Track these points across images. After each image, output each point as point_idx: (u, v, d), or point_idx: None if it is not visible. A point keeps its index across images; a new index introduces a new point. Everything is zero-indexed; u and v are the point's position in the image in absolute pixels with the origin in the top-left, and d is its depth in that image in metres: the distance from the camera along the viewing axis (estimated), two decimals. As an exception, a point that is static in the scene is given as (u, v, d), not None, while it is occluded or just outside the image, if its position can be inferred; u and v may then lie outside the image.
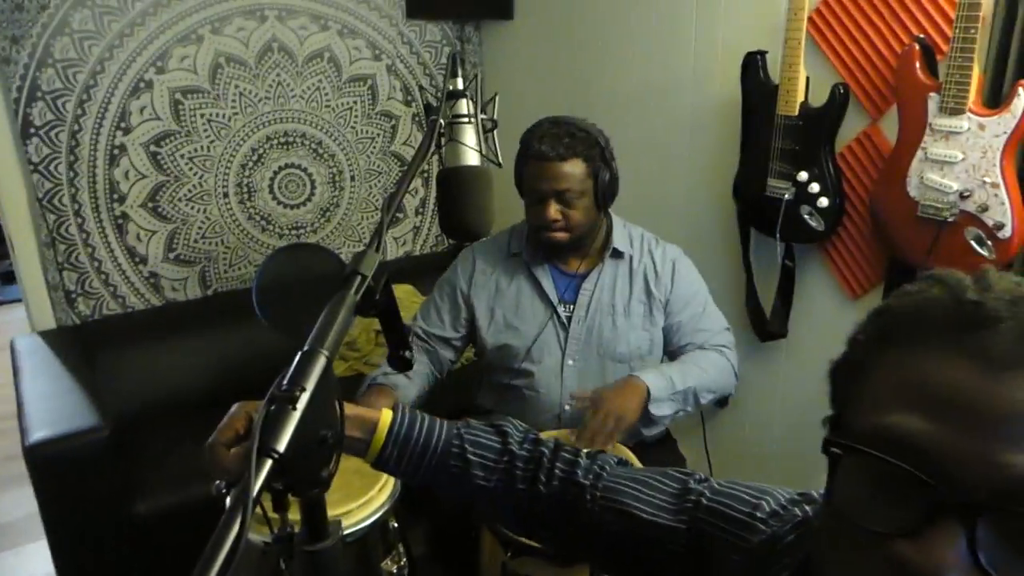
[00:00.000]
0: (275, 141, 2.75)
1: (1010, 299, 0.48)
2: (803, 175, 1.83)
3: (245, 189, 2.75)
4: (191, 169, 2.63)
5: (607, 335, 1.77)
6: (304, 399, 0.66)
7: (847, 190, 1.86)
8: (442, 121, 1.06)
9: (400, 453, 0.90)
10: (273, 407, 0.65)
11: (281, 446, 0.61)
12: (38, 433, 1.89)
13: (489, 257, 1.87)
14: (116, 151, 2.49)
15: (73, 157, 2.44)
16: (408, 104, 2.98)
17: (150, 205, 2.58)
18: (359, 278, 0.80)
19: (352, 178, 2.95)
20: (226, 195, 2.72)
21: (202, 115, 2.61)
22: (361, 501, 1.37)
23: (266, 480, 0.60)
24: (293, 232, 2.87)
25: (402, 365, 0.92)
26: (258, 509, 0.59)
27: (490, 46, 3.03)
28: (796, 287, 2.06)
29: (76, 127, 2.42)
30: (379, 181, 3.01)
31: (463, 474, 0.90)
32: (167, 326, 2.63)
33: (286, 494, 0.70)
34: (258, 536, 1.13)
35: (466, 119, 1.10)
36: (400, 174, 2.99)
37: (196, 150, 2.62)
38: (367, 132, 2.93)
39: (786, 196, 1.87)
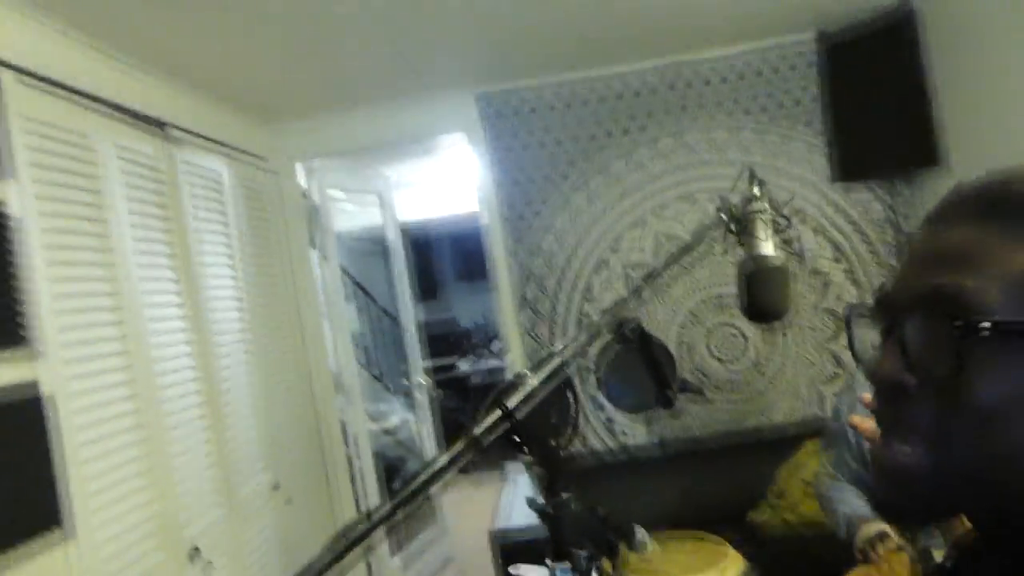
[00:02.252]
0: (710, 303, 3.12)
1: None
2: None
3: (685, 347, 3.14)
4: (639, 330, 3.14)
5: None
6: (535, 380, 0.96)
7: None
8: (723, 216, 1.30)
9: None
10: (513, 379, 0.97)
11: (511, 403, 0.91)
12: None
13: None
14: (582, 316, 3.15)
15: (552, 324, 3.16)
16: (837, 261, 3.09)
17: (607, 360, 3.15)
18: (609, 314, 1.09)
19: (784, 335, 3.12)
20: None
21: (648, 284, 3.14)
22: None
23: (494, 424, 0.91)
24: (728, 385, 3.12)
25: (664, 402, 1.13)
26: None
27: (922, 197, 3.01)
28: None
29: (555, 300, 3.16)
30: (813, 335, 3.11)
31: None
32: (623, 467, 3.07)
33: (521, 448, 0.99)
34: None
35: (757, 215, 1.31)
36: (833, 329, 3.07)
37: (644, 314, 3.14)
38: (799, 290, 3.11)
39: None
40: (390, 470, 4.32)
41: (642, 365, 1.24)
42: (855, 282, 3.09)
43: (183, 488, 2.12)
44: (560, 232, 3.17)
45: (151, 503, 1.95)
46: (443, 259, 8.74)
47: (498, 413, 0.96)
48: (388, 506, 0.83)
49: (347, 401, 3.38)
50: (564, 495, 1.03)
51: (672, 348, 3.08)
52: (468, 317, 8.20)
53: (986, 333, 0.51)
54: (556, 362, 1.02)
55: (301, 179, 3.31)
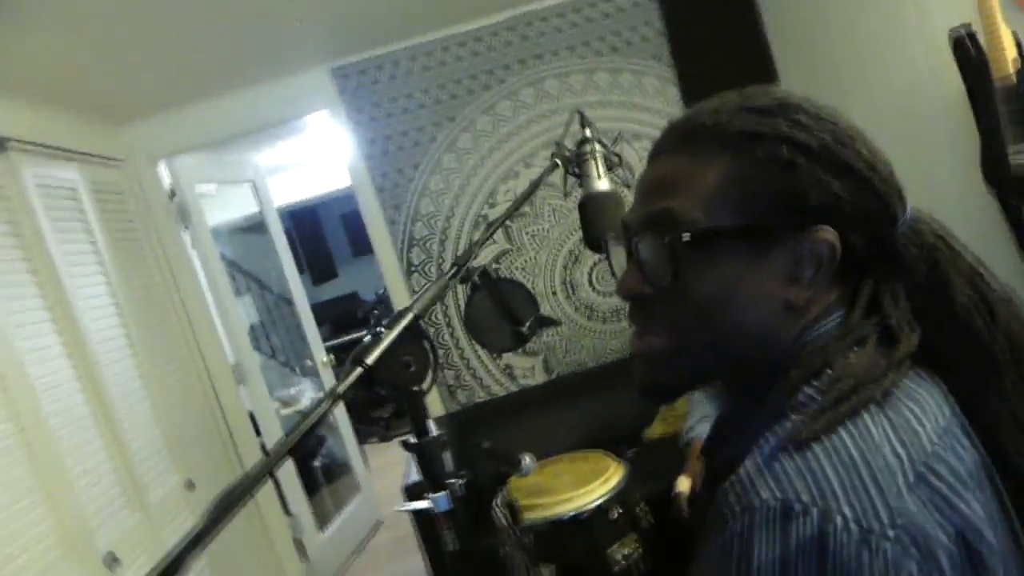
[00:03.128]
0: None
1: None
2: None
3: (569, 286, 3.29)
4: (525, 277, 3.26)
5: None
6: (391, 334, 1.04)
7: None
8: (557, 162, 1.41)
9: None
10: (370, 336, 1.05)
11: (369, 359, 1.00)
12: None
13: None
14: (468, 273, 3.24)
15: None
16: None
17: (498, 310, 3.26)
18: (454, 267, 1.18)
19: (659, 261, 3.30)
20: (555, 293, 3.28)
21: (527, 233, 3.25)
22: (583, 490, 1.65)
23: (355, 382, 0.99)
24: (614, 315, 3.29)
25: (518, 340, 1.24)
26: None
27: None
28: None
29: (440, 260, 3.24)
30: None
31: None
32: (522, 406, 3.21)
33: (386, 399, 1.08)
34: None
35: (589, 156, 1.43)
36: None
37: (526, 261, 3.26)
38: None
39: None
40: (309, 451, 4.36)
41: (494, 307, 1.34)
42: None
43: (86, 498, 2.11)
44: (436, 193, 3.23)
45: (48, 517, 1.94)
46: (336, 236, 8.65)
47: (358, 369, 1.03)
48: (261, 466, 0.90)
49: (250, 389, 3.39)
50: (435, 433, 1.13)
51: (557, 287, 3.23)
52: (369, 290, 8.18)
53: (691, 242, 0.63)
54: (409, 316, 1.11)
55: (165, 177, 3.24)
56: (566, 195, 1.48)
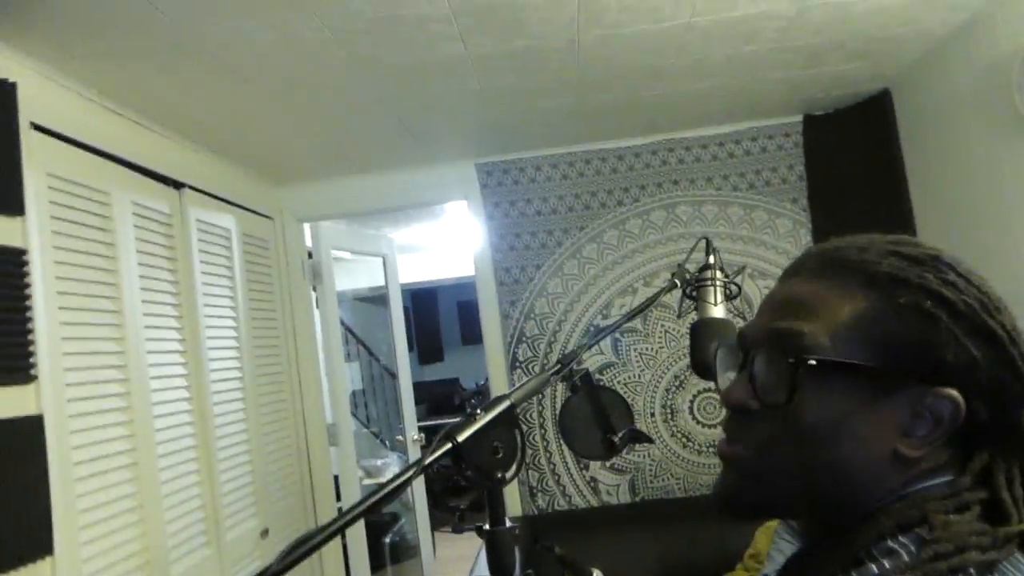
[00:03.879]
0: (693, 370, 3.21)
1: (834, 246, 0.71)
2: None
3: (669, 410, 3.22)
4: (625, 394, 3.23)
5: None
6: (485, 417, 1.06)
7: None
8: (677, 282, 1.42)
9: None
10: (464, 417, 1.07)
11: (460, 437, 1.02)
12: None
13: None
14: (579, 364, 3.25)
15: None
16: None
17: (594, 422, 3.23)
18: (558, 365, 1.20)
19: (767, 402, 3.19)
20: (653, 415, 3.22)
21: (635, 350, 3.24)
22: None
23: (442, 456, 1.01)
24: (710, 448, 3.18)
25: (608, 448, 1.23)
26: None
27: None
28: None
29: (545, 361, 3.27)
30: (795, 405, 3.18)
31: None
32: (602, 522, 3.12)
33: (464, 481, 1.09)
34: None
35: (709, 283, 1.44)
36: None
37: (629, 377, 3.24)
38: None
39: None
40: (383, 526, 4.37)
41: (590, 412, 1.35)
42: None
43: (172, 527, 2.21)
44: (553, 296, 3.30)
45: (140, 537, 2.04)
46: (449, 322, 8.89)
47: (447, 444, 1.07)
48: (340, 521, 0.93)
49: (340, 453, 3.47)
50: (508, 524, 1.13)
51: (656, 410, 3.18)
52: (471, 378, 8.29)
53: (813, 368, 0.62)
54: (505, 403, 1.13)
55: (307, 239, 3.48)
56: (679, 315, 1.49)
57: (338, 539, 3.41)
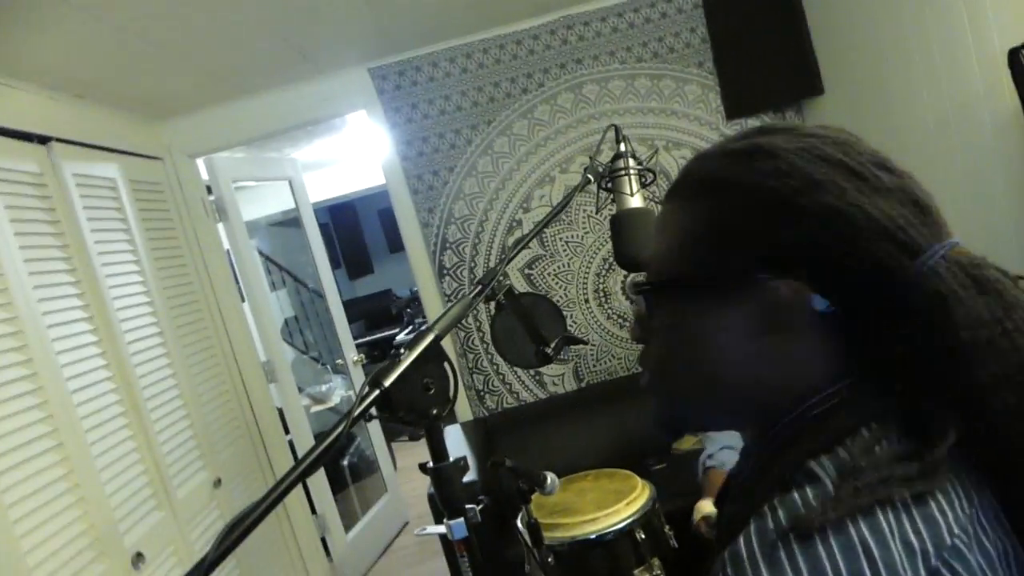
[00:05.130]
0: (623, 250, 3.21)
1: None
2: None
3: (602, 294, 3.24)
4: (557, 284, 3.22)
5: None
6: (410, 356, 1.01)
7: None
8: (590, 177, 1.36)
9: None
10: (388, 359, 1.02)
11: (387, 381, 0.97)
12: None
13: None
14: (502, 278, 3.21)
15: (471, 288, 3.21)
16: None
17: (530, 317, 3.23)
18: (479, 286, 1.15)
19: (696, 271, 3.23)
20: (587, 301, 3.24)
21: (560, 239, 3.21)
22: (608, 511, 1.61)
23: (371, 404, 0.96)
24: (647, 326, 3.23)
25: (542, 359, 1.21)
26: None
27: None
28: None
29: (472, 264, 3.22)
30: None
31: None
32: (551, 414, 3.17)
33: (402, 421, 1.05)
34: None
35: (623, 172, 1.38)
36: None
37: (559, 267, 3.22)
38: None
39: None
40: (339, 450, 4.37)
41: (519, 326, 1.31)
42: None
43: (116, 499, 2.13)
44: (470, 197, 3.21)
45: (83, 516, 1.96)
46: (373, 232, 8.70)
47: (375, 391, 1.01)
48: (272, 496, 0.88)
49: (280, 388, 3.41)
50: (452, 459, 1.10)
51: (590, 295, 3.19)
52: (404, 286, 8.21)
53: (655, 293, 0.64)
54: (429, 338, 1.08)
55: (203, 174, 3.27)
56: (598, 211, 1.44)
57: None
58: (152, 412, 2.43)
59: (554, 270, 3.23)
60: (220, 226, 3.30)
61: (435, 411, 1.07)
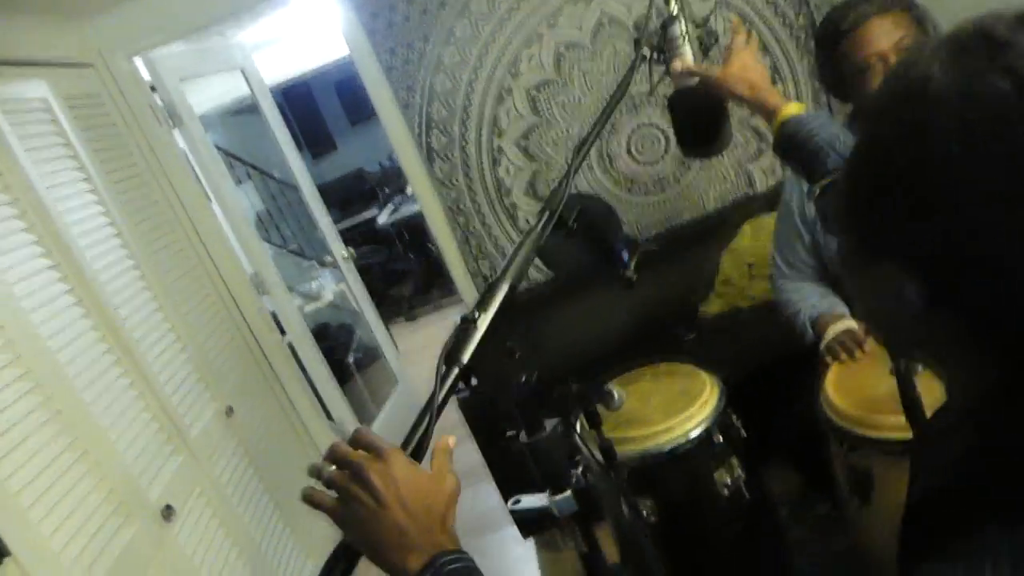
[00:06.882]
0: (623, 106, 2.93)
1: None
2: None
3: (607, 159, 2.99)
4: (555, 152, 2.96)
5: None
6: (484, 321, 0.81)
7: None
8: (646, 50, 1.11)
9: None
10: (460, 329, 0.82)
11: (465, 357, 0.78)
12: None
13: None
14: (496, 154, 2.95)
15: (466, 167, 2.96)
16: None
17: (530, 191, 2.99)
18: (547, 213, 0.93)
19: (704, 121, 2.98)
20: (591, 168, 2.99)
21: (556, 103, 2.92)
22: (681, 418, 1.47)
23: (454, 383, 0.77)
24: (656, 186, 3.02)
25: (624, 284, 1.01)
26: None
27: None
28: None
29: (463, 142, 2.94)
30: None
31: None
32: (562, 295, 3.01)
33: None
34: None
35: (681, 39, 1.13)
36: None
37: (557, 135, 2.95)
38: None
39: None
40: (342, 346, 4.24)
41: (587, 249, 1.09)
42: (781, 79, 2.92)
43: (130, 455, 1.97)
44: (451, 67, 2.87)
45: (99, 483, 1.81)
46: (331, 108, 8.17)
47: (454, 371, 0.82)
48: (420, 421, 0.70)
49: (272, 296, 3.20)
50: (546, 427, 0.92)
51: (593, 162, 2.95)
52: (373, 160, 7.82)
53: None
54: (502, 292, 0.87)
55: (144, 74, 2.88)
56: (651, 92, 1.17)
57: (301, 378, 3.25)
58: (145, 353, 2.23)
59: (552, 138, 2.95)
60: (176, 131, 2.95)
61: (524, 377, 0.89)
